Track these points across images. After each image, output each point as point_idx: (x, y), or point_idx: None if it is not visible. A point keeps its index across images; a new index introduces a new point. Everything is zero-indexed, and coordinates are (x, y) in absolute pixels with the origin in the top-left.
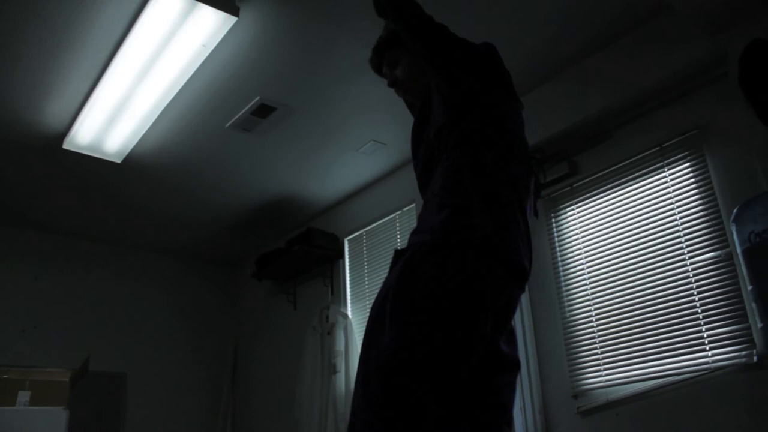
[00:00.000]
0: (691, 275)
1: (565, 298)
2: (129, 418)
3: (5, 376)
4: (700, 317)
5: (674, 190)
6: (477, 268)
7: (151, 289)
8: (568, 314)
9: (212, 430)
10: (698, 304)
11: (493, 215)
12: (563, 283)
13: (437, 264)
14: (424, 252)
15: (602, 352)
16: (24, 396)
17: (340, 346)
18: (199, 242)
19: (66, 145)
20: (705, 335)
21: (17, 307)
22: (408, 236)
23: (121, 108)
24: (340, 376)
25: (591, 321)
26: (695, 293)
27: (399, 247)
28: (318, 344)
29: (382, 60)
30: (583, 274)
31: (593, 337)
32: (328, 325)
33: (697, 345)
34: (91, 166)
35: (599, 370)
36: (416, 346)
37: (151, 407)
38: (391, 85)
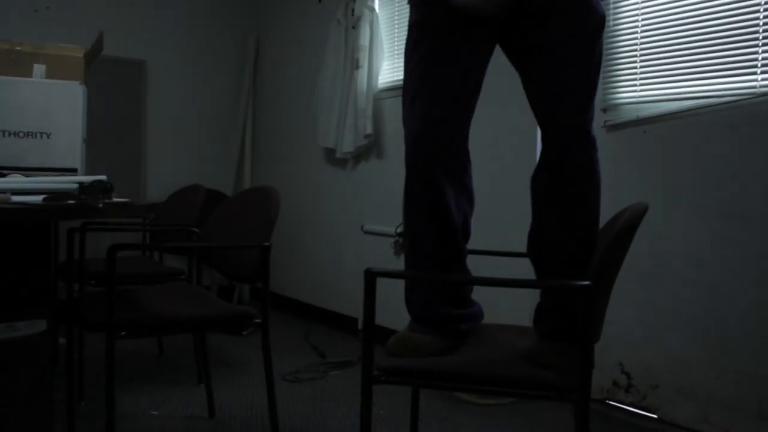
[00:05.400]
0: None
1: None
2: (150, 103)
3: (18, 48)
4: (759, 36)
5: None
6: None
7: None
8: (612, 21)
9: (233, 117)
10: (761, 23)
11: None
12: None
13: None
14: None
15: (641, 66)
16: (39, 69)
17: (365, 40)
18: None
19: None
20: (760, 57)
21: None
22: None
23: None
24: (363, 72)
25: (636, 29)
26: (761, 9)
27: None
28: (342, 38)
29: None
30: None
31: (635, 48)
32: (353, 18)
33: (747, 67)
34: None
35: (634, 85)
36: None
37: (171, 95)
38: None
